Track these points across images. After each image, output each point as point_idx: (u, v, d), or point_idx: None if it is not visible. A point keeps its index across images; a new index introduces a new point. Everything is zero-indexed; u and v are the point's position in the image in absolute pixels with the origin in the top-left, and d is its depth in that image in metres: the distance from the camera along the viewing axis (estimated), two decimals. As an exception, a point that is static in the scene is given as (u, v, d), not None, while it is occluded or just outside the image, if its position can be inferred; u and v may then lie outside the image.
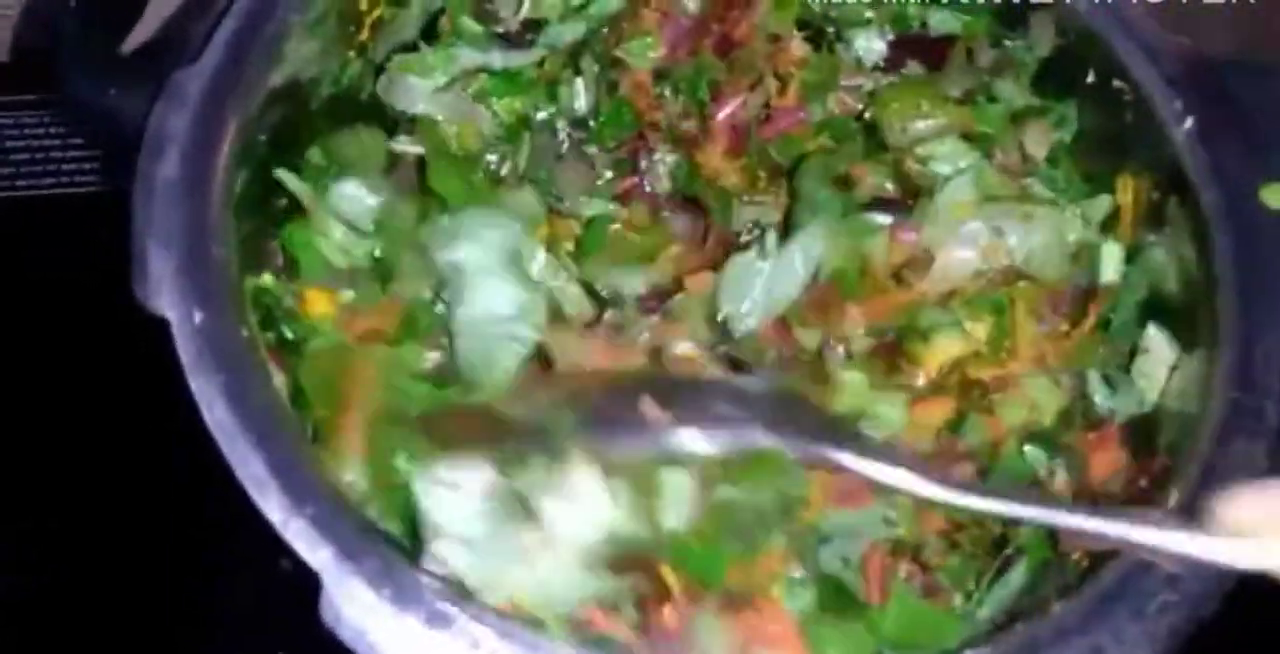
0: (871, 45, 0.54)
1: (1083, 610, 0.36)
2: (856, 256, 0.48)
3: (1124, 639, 0.35)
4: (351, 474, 0.38)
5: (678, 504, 0.39)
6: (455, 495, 0.37)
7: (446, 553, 0.36)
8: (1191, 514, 0.38)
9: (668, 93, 0.54)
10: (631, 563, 0.37)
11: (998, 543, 0.43)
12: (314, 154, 0.49)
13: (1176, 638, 0.36)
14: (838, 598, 0.41)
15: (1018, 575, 0.42)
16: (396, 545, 0.36)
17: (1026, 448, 0.44)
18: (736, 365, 0.46)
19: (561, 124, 0.57)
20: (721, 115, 0.54)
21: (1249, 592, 0.37)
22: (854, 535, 0.43)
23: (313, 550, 0.34)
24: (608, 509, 0.38)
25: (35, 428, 0.66)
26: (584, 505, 0.37)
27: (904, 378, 0.45)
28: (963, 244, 0.47)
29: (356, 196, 0.47)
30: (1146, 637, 0.36)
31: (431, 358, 0.45)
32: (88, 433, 0.65)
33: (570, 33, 0.54)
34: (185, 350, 0.37)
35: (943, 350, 0.45)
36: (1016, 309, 0.45)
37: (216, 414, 0.36)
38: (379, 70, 0.54)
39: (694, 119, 0.54)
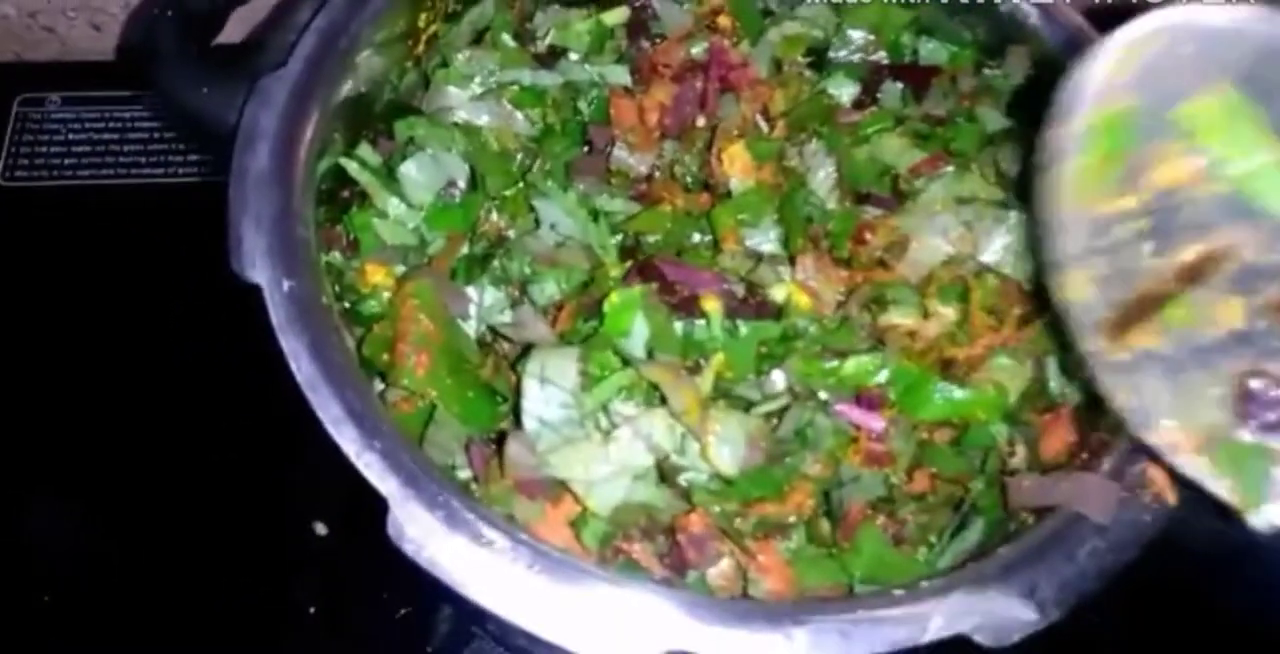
0: (844, 90, 0.61)
1: (1023, 552, 0.43)
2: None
3: (1057, 578, 0.42)
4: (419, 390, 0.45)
5: (733, 447, 0.45)
6: (546, 387, 0.44)
7: (533, 430, 0.43)
8: (1119, 477, 0.45)
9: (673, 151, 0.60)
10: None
11: (958, 504, 0.49)
12: (365, 151, 0.56)
13: (1103, 578, 0.42)
14: (819, 539, 0.47)
15: (975, 532, 0.48)
16: (448, 477, 0.43)
17: (995, 423, 0.51)
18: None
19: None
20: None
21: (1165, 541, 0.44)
22: (859, 489, 0.49)
23: (382, 479, 0.41)
24: (667, 441, 0.45)
25: (145, 381, 0.75)
26: (647, 433, 0.44)
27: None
28: (935, 233, 0.54)
29: (417, 177, 0.54)
30: (1077, 576, 0.42)
31: (470, 292, 0.52)
32: (192, 385, 0.74)
33: (584, 75, 0.60)
34: (275, 313, 0.43)
35: (894, 320, 0.51)
36: (974, 295, 0.52)
37: (303, 366, 0.42)
38: (428, 80, 0.61)
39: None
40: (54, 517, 0.72)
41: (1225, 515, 0.47)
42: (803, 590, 0.45)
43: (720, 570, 0.45)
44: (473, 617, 0.68)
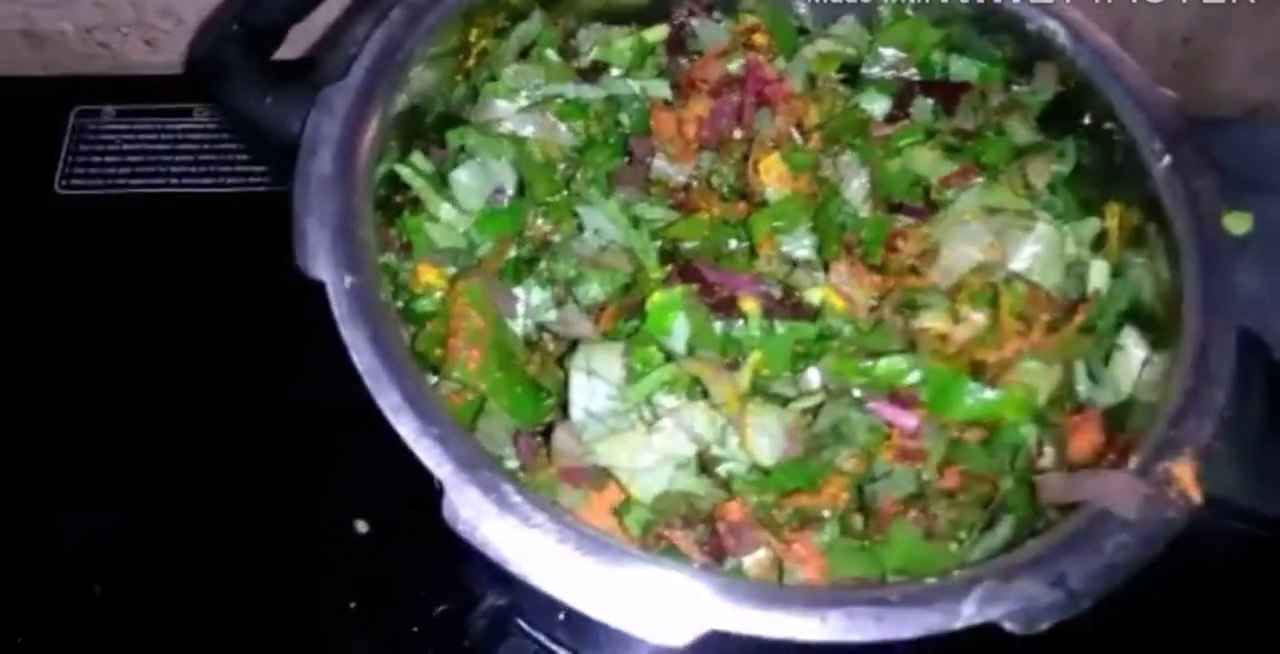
0: (877, 104, 0.63)
1: (1051, 545, 0.44)
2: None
3: (1084, 569, 0.43)
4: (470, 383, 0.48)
5: (771, 438, 0.47)
6: (592, 379, 0.46)
7: (579, 420, 0.45)
8: (1146, 475, 0.46)
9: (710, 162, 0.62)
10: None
11: (988, 501, 0.51)
12: (418, 159, 0.59)
13: (1129, 571, 0.44)
14: (853, 531, 0.49)
15: (1004, 528, 0.50)
16: (499, 463, 0.45)
17: (1024, 425, 0.52)
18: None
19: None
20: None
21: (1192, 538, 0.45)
22: (891, 484, 0.50)
23: (438, 464, 0.43)
24: (708, 432, 0.46)
25: (194, 384, 0.78)
26: (689, 425, 0.46)
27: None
28: (965, 241, 0.55)
29: (468, 183, 0.57)
30: (1104, 568, 0.44)
31: (518, 293, 0.54)
32: (239, 387, 0.77)
33: (625, 89, 0.63)
34: (338, 306, 0.46)
35: (925, 323, 0.53)
36: (1003, 301, 0.53)
37: (363, 356, 0.45)
38: (477, 93, 0.64)
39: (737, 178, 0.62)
40: (108, 511, 0.75)
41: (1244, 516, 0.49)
42: (836, 581, 0.47)
43: (757, 559, 0.47)
44: (510, 613, 0.70)
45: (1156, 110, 0.58)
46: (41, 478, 0.75)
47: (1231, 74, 1.13)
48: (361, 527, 0.74)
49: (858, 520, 0.49)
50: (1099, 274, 0.57)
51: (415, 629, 0.71)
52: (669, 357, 0.47)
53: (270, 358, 0.78)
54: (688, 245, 0.58)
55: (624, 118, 0.64)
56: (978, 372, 0.53)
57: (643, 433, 0.45)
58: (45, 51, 0.98)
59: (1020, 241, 0.55)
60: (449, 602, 0.72)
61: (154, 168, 0.92)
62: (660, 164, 0.61)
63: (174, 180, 0.91)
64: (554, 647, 0.70)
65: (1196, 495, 0.46)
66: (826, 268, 0.55)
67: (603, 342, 0.49)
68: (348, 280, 0.46)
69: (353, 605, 0.72)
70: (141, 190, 0.90)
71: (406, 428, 0.43)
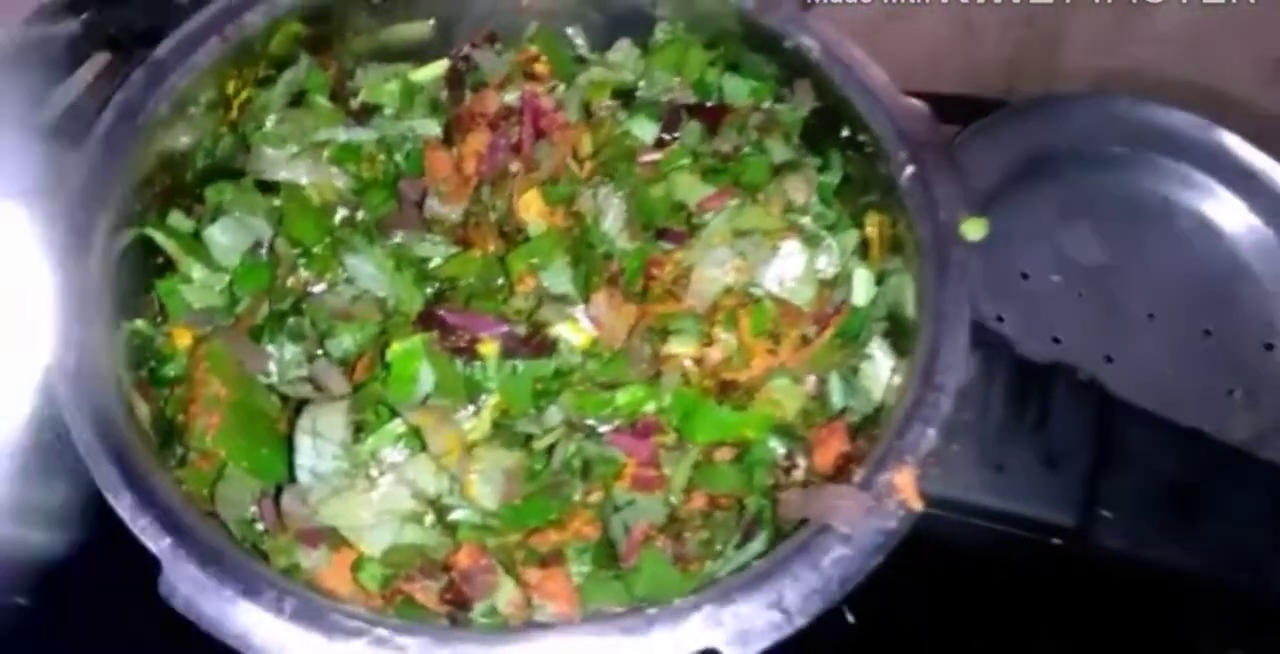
0: (645, 130, 0.64)
1: (771, 564, 0.46)
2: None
3: (802, 586, 0.45)
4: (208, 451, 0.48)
5: (493, 484, 0.48)
6: (318, 441, 0.47)
7: (306, 482, 0.46)
8: (869, 487, 0.48)
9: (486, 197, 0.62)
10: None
11: (740, 518, 0.52)
12: (176, 218, 0.59)
13: (848, 584, 0.46)
14: (607, 561, 0.50)
15: (758, 544, 0.51)
16: (225, 534, 0.45)
17: (771, 440, 0.54)
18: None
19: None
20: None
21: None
22: (637, 512, 0.51)
23: (155, 541, 0.43)
24: (432, 485, 0.47)
25: None
26: (411, 479, 0.47)
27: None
28: (712, 265, 0.57)
29: (221, 239, 0.57)
30: (821, 582, 0.45)
31: (270, 352, 0.54)
32: None
33: (397, 129, 0.64)
34: (62, 388, 0.46)
35: (674, 349, 0.55)
36: (742, 323, 0.55)
37: (84, 436, 0.45)
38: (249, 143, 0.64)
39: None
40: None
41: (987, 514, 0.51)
42: (586, 613, 0.48)
43: (509, 599, 0.48)
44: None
45: (904, 122, 0.60)
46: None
47: (1076, 50, 1.17)
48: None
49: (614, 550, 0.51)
50: (860, 284, 0.59)
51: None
52: (393, 410, 0.48)
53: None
54: (463, 283, 0.59)
55: (399, 158, 0.64)
56: (730, 392, 0.54)
57: (363, 491, 0.46)
58: None
59: (768, 261, 0.57)
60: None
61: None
62: (433, 204, 0.62)
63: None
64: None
65: (917, 504, 0.47)
66: (589, 301, 0.56)
67: (328, 401, 0.49)
68: (72, 360, 0.46)
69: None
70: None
71: (124, 508, 0.43)
